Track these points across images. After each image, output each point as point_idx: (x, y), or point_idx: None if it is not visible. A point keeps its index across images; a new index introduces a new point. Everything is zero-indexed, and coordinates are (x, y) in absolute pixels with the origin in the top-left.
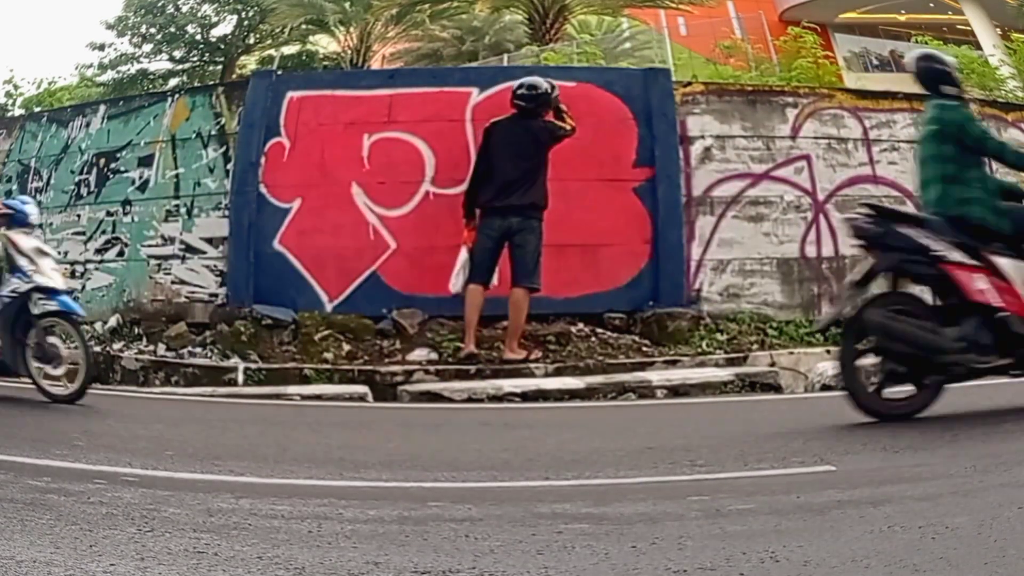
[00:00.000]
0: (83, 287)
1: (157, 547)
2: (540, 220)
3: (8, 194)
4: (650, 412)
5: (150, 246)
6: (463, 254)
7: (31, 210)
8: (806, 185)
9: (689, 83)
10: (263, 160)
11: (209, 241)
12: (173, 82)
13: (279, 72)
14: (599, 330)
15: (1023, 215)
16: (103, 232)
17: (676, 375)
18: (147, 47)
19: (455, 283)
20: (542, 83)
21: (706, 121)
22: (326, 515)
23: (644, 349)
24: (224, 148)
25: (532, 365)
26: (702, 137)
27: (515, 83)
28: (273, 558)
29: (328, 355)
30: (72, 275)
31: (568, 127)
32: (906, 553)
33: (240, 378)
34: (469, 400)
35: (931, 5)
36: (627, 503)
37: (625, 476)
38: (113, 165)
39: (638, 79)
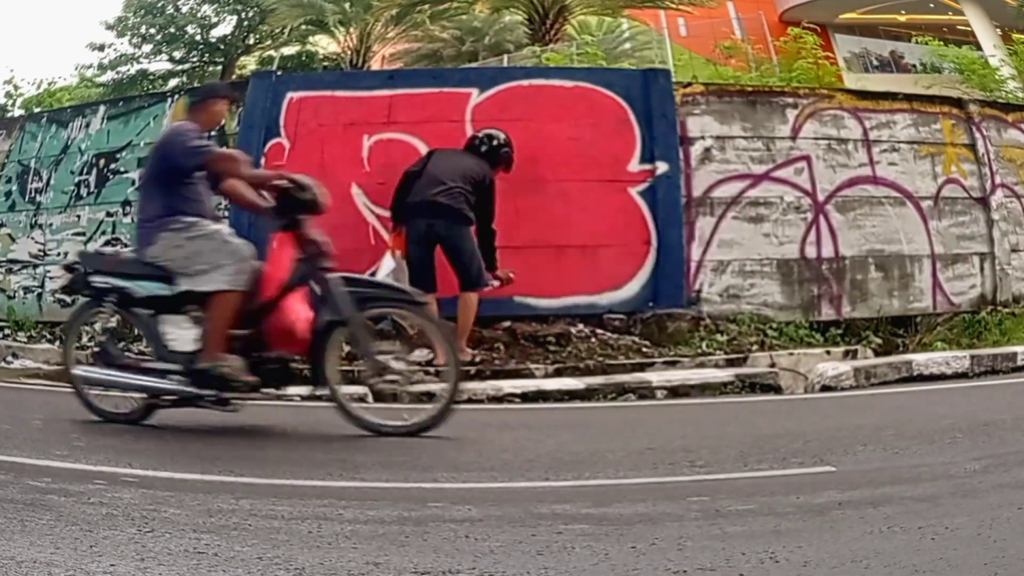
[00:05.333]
0: None
1: (157, 547)
2: (468, 227)
3: (8, 195)
4: (650, 413)
5: None
6: (387, 259)
7: None
8: (806, 186)
9: (689, 84)
10: (263, 161)
11: None
12: (173, 82)
13: (279, 73)
14: (599, 331)
15: None
16: (103, 232)
17: (676, 376)
18: (147, 48)
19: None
20: (501, 135)
21: (706, 122)
22: (326, 516)
23: (644, 350)
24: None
25: (532, 366)
26: (702, 138)
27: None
28: (273, 558)
29: None
30: None
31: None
32: (906, 553)
33: None
34: (469, 401)
35: (931, 5)
36: (627, 504)
37: (625, 477)
38: (113, 165)
39: (638, 80)
